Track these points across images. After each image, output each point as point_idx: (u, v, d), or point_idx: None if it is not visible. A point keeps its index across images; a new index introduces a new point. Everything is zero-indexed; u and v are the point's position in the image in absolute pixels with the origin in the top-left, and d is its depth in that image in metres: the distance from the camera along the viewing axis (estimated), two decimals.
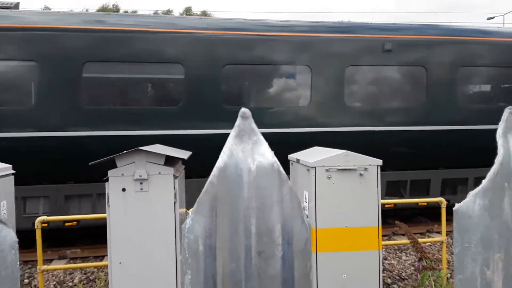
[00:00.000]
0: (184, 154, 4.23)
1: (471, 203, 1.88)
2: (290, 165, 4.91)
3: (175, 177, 3.81)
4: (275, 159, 1.70)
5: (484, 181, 1.91)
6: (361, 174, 4.31)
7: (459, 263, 1.90)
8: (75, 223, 5.91)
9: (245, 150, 1.65)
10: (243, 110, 1.69)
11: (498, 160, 1.90)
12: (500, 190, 1.89)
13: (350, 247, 4.31)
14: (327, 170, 4.32)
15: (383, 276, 4.79)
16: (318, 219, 4.28)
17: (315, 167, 4.29)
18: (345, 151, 4.35)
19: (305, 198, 4.44)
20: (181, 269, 3.21)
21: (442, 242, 4.96)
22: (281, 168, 1.72)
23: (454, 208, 1.91)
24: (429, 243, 6.55)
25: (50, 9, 27.02)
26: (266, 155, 1.66)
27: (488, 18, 24.09)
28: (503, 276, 1.92)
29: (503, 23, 23.65)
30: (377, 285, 4.32)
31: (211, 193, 1.64)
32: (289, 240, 1.65)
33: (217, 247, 1.59)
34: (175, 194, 3.73)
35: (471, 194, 1.90)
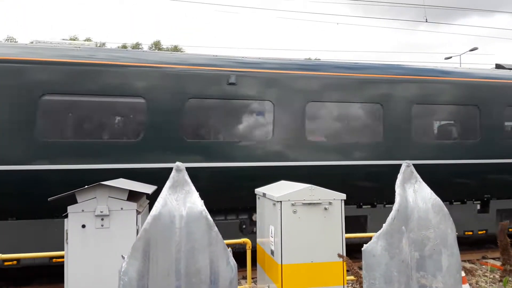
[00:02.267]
0: (149, 189, 4.43)
1: (374, 244, 2.18)
2: (257, 199, 5.18)
3: (138, 212, 3.98)
4: (204, 207, 1.98)
5: (384, 225, 2.22)
6: (325, 208, 4.58)
7: None
8: (15, 262, 5.85)
9: (178, 199, 1.92)
10: (177, 164, 1.97)
11: (395, 207, 2.23)
12: (398, 233, 2.20)
13: (317, 283, 4.53)
14: (293, 205, 4.58)
15: None
16: (284, 254, 4.48)
17: (281, 201, 4.55)
18: (310, 185, 4.64)
19: (271, 233, 4.68)
20: None
21: None
22: (209, 216, 1.99)
23: (362, 248, 2.21)
24: None
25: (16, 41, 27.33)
26: (196, 203, 1.94)
27: (446, 58, 25.43)
28: None
29: (460, 63, 24.81)
30: None
31: (144, 238, 1.90)
32: (215, 280, 1.90)
33: (149, 287, 1.83)
34: (137, 230, 3.88)
35: (375, 235, 2.21)
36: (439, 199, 2.47)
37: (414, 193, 2.33)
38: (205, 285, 1.86)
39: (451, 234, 2.37)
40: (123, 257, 1.93)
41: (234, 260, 2.03)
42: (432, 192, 2.47)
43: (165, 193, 1.94)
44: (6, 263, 5.91)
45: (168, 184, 1.97)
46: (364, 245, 2.24)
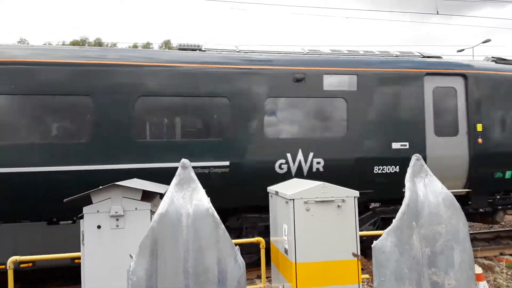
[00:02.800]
0: (162, 188, 4.47)
1: (384, 240, 2.13)
2: (270, 198, 5.16)
3: (152, 212, 4.01)
4: (210, 204, 1.97)
5: (394, 220, 2.16)
6: (339, 206, 4.53)
7: None
8: (30, 264, 5.95)
9: (185, 196, 1.92)
10: (183, 160, 1.97)
11: (405, 201, 2.17)
12: (408, 228, 2.14)
13: (330, 281, 4.48)
14: (306, 202, 4.54)
15: None
16: (297, 253, 4.45)
17: (293, 199, 4.51)
18: (322, 182, 4.59)
19: (284, 231, 4.66)
20: None
21: None
22: (215, 213, 1.99)
23: (372, 245, 2.16)
24: None
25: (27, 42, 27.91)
26: (203, 200, 1.94)
27: (458, 51, 24.78)
28: None
29: (473, 56, 24.12)
30: None
31: (152, 237, 1.91)
32: (223, 279, 1.89)
33: (158, 287, 1.84)
34: None
35: (385, 231, 2.16)
36: (450, 193, 2.40)
37: (424, 187, 2.27)
38: (213, 284, 1.86)
39: (463, 229, 2.29)
40: (131, 257, 1.95)
41: (242, 259, 2.02)
42: (443, 186, 2.39)
43: (171, 191, 1.94)
44: (22, 265, 6.04)
45: (174, 181, 1.98)
46: (374, 241, 2.20)
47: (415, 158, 2.33)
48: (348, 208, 4.55)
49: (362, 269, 4.47)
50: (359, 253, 4.54)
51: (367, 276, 5.27)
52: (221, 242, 1.94)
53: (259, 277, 6.05)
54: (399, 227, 2.15)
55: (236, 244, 6.37)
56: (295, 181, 5.34)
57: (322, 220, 4.50)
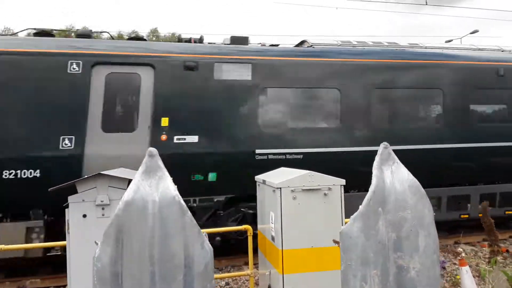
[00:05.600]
0: None
1: (350, 225, 2.12)
2: (257, 186, 5.15)
3: None
4: (177, 192, 1.95)
5: (360, 206, 2.15)
6: (325, 194, 4.52)
7: (343, 279, 2.14)
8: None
9: (152, 184, 1.90)
10: (151, 149, 1.94)
11: (371, 188, 2.16)
12: (374, 214, 2.13)
13: (317, 267, 4.49)
14: (293, 191, 4.53)
15: None
16: (284, 240, 4.46)
17: (280, 188, 4.50)
18: (309, 171, 4.58)
19: (271, 219, 4.66)
20: None
21: None
22: (182, 200, 1.97)
23: (339, 231, 2.15)
24: None
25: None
26: (169, 188, 1.92)
27: (446, 41, 24.61)
28: None
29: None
30: None
31: (116, 224, 1.89)
32: (189, 264, 1.88)
33: (124, 274, 1.83)
34: None
35: (352, 217, 2.15)
36: (416, 180, 2.39)
37: (391, 175, 2.26)
38: (179, 270, 1.85)
39: (428, 215, 2.28)
40: (96, 243, 1.94)
41: (210, 245, 2.01)
42: (409, 173, 2.39)
43: (137, 179, 1.92)
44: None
45: (140, 169, 1.95)
46: (342, 227, 2.19)
47: (383, 146, 2.33)
48: (335, 196, 4.54)
49: None
50: None
51: None
52: (187, 229, 1.93)
53: (246, 263, 6.08)
54: (365, 213, 2.14)
55: (222, 232, 6.38)
56: (282, 170, 5.32)
57: (309, 208, 4.49)
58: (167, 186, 1.92)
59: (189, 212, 1.96)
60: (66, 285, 5.72)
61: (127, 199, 1.91)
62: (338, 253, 4.62)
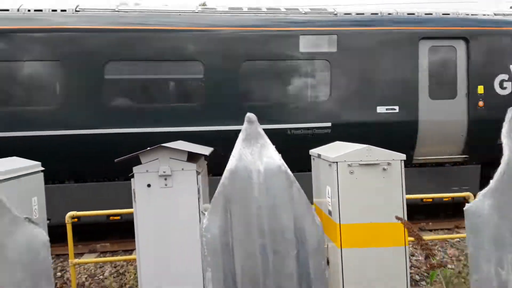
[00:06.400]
0: (206, 150, 4.45)
1: (480, 202, 1.95)
2: (312, 160, 5.05)
3: (197, 173, 4.02)
4: (282, 161, 1.86)
5: (492, 181, 1.96)
6: (384, 169, 4.37)
7: (473, 264, 1.97)
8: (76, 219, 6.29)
9: (253, 153, 1.81)
10: (249, 115, 1.85)
11: (504, 160, 1.95)
12: (509, 189, 1.94)
13: (375, 243, 4.40)
14: (349, 165, 4.40)
15: (410, 273, 4.85)
16: (341, 215, 4.37)
17: (337, 162, 4.38)
18: (367, 145, 4.42)
19: (328, 194, 4.57)
20: (202, 265, 3.45)
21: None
22: (289, 170, 1.88)
23: (464, 208, 1.98)
24: (458, 239, 6.51)
25: None
26: (273, 157, 1.83)
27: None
28: None
29: None
30: (405, 282, 4.40)
31: (223, 194, 1.83)
32: (302, 239, 1.81)
33: (234, 245, 1.78)
34: (198, 189, 3.95)
35: (481, 194, 1.97)
36: None
37: None
38: (291, 244, 1.79)
39: None
40: (203, 213, 1.90)
41: (319, 220, 1.93)
42: None
43: (239, 147, 1.84)
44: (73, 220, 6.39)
45: (240, 136, 1.87)
46: (467, 204, 2.02)
47: (511, 112, 2.09)
48: (394, 171, 4.39)
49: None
50: (405, 217, 4.41)
51: (412, 238, 5.17)
52: (296, 202, 1.85)
53: None
54: (498, 188, 1.95)
55: None
56: (337, 143, 5.18)
57: (367, 183, 4.36)
58: (271, 155, 1.84)
59: (296, 182, 1.88)
60: (134, 249, 6.06)
61: (231, 167, 1.84)
62: (397, 229, 4.52)
